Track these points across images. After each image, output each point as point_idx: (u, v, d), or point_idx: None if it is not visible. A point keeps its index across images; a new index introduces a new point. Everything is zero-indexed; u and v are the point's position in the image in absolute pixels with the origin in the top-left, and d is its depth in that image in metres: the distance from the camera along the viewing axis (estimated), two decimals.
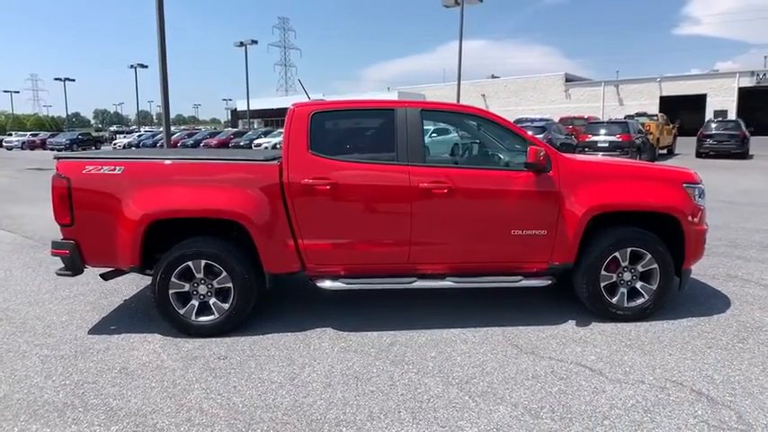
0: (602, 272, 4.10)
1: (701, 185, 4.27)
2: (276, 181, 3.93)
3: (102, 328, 4.23)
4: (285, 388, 3.21)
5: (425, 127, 4.21)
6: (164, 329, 4.10)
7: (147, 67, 48.53)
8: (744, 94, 40.80)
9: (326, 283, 4.07)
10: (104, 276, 4.27)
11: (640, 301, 4.15)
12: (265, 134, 31.99)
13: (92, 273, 4.53)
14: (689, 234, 4.09)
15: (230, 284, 3.94)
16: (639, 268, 4.14)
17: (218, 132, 37.08)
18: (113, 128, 68.28)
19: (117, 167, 3.88)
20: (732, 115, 37.12)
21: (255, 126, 53.72)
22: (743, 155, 20.90)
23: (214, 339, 3.93)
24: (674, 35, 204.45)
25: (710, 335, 3.91)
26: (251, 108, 50.41)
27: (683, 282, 4.26)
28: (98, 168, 3.88)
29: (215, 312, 3.98)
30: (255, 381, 3.31)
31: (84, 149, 37.78)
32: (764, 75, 40.08)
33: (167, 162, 4.05)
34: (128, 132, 46.91)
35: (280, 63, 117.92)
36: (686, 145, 25.27)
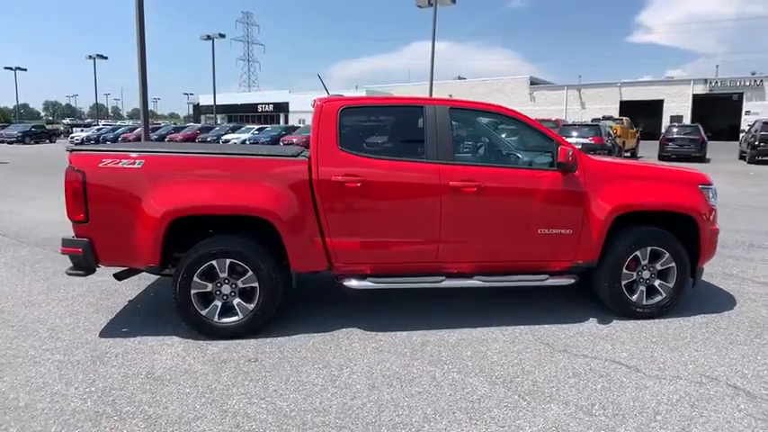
0: (624, 270, 4.18)
1: (713, 187, 4.42)
2: (305, 177, 3.81)
3: (112, 330, 4.00)
4: (329, 390, 3.12)
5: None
6: (181, 331, 3.93)
7: (106, 58, 46.56)
8: (697, 100, 42.85)
9: (353, 283, 3.98)
10: (118, 276, 4.05)
11: (658, 298, 4.27)
12: (234, 130, 31.29)
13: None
14: (704, 233, 4.23)
15: (256, 284, 3.80)
16: (658, 266, 4.24)
17: (184, 127, 35.96)
18: (67, 120, 65.14)
19: (137, 161, 3.68)
20: (687, 120, 38.93)
21: (219, 121, 52.43)
22: (701, 158, 21.91)
23: (239, 341, 3.78)
24: (629, 42, 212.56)
25: (726, 331, 4.05)
26: (214, 103, 49.24)
27: (696, 280, 4.40)
28: (116, 162, 3.66)
29: (239, 313, 3.83)
30: (295, 383, 3.20)
31: (37, 143, 35.91)
32: (716, 82, 42.19)
33: (190, 156, 3.87)
34: (85, 126, 44.83)
35: (243, 58, 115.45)
36: (646, 148, 26.32)
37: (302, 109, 57.08)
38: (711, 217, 4.30)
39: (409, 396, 3.06)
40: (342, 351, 3.67)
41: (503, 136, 4.64)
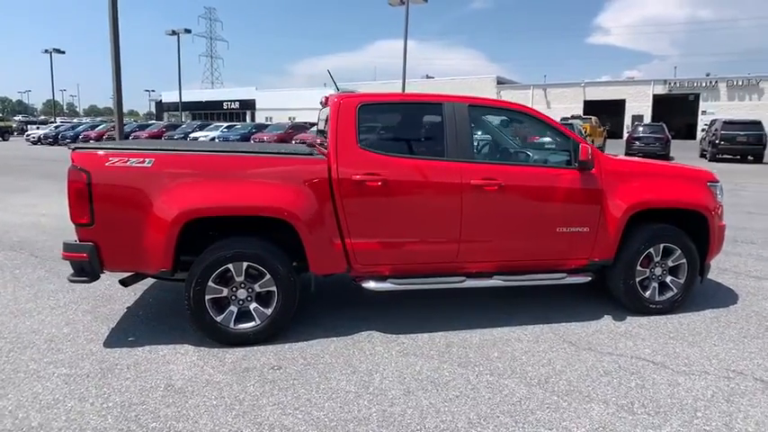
0: (638, 267, 4.22)
1: (720, 184, 4.52)
2: (324, 176, 3.68)
3: (117, 340, 3.76)
4: (364, 397, 3.01)
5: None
6: (191, 338, 3.73)
7: (63, 52, 44.52)
8: (657, 100, 44.44)
9: (371, 284, 3.87)
10: (125, 282, 3.81)
11: (670, 294, 4.33)
12: (201, 127, 30.48)
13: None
14: (713, 230, 4.32)
15: (274, 288, 3.64)
16: (669, 263, 4.30)
17: (149, 125, 34.75)
18: (19, 117, 62.03)
19: (146, 159, 3.46)
20: (647, 119, 40.30)
21: (183, 119, 51.02)
22: (665, 156, 22.67)
23: (257, 348, 3.62)
24: (588, 44, 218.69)
25: (737, 325, 4.14)
26: (176, 100, 47.84)
27: (704, 275, 4.49)
28: (124, 160, 3.43)
29: (256, 318, 3.66)
30: (327, 391, 3.07)
31: None
32: (675, 83, 43.86)
33: (203, 154, 3.67)
34: (41, 123, 42.77)
35: (205, 54, 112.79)
36: (610, 146, 27.05)
37: (269, 106, 56.40)
38: (719, 213, 4.39)
39: (448, 401, 2.98)
40: (366, 355, 3.56)
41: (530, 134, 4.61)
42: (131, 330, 3.94)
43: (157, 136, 28.98)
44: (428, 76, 60.07)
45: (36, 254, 6.12)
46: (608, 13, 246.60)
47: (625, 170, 4.25)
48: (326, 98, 4.26)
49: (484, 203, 3.90)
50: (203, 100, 61.81)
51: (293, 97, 55.18)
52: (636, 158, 5.57)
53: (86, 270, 3.50)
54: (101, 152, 3.47)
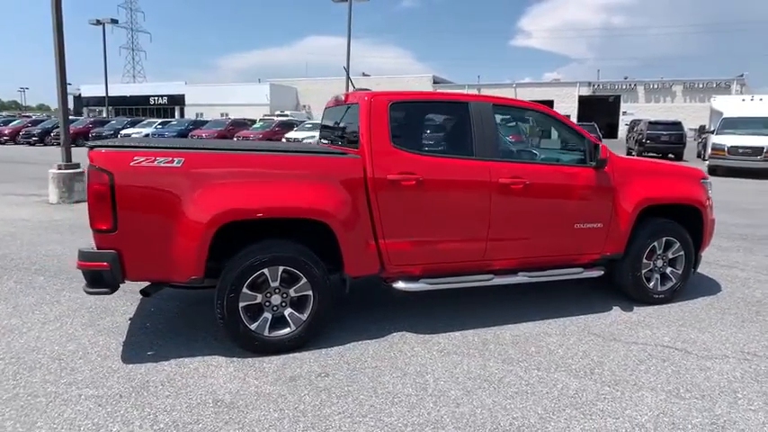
0: (644, 260, 4.47)
1: (710, 180, 4.88)
2: (360, 176, 3.59)
3: (135, 355, 3.47)
4: (427, 400, 2.97)
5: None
6: (219, 349, 3.52)
7: None
8: (582, 101, 47.20)
9: (402, 285, 3.82)
10: (147, 292, 3.52)
11: (670, 284, 4.62)
12: (133, 124, 28.70)
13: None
14: (706, 223, 4.66)
15: (309, 292, 3.51)
16: (670, 255, 4.59)
17: (73, 120, 32.10)
18: None
19: (175, 159, 3.20)
20: (574, 119, 42.72)
21: (105, 114, 47.70)
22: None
23: (292, 356, 3.47)
24: (511, 46, 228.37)
25: (731, 311, 4.49)
26: (97, 95, 44.58)
27: (696, 265, 4.83)
28: (151, 160, 3.16)
29: (291, 324, 3.51)
30: (386, 396, 3.00)
31: None
32: (599, 85, 46.82)
33: (236, 153, 3.46)
34: None
35: (126, 47, 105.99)
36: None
37: (200, 102, 53.99)
38: (711, 208, 4.74)
39: (510, 398, 3.01)
40: (409, 357, 3.51)
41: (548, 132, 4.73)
42: (147, 344, 3.64)
43: (84, 133, 26.93)
44: (364, 74, 60.08)
45: None
46: (529, 17, 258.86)
47: (632, 168, 4.48)
48: (347, 96, 4.15)
49: (510, 201, 3.97)
50: (128, 95, 57.99)
51: (225, 92, 53.24)
52: (638, 158, 5.87)
53: (106, 281, 3.20)
54: (124, 150, 3.18)
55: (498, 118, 4.88)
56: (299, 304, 3.54)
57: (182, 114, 53.86)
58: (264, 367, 3.33)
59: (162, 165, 3.17)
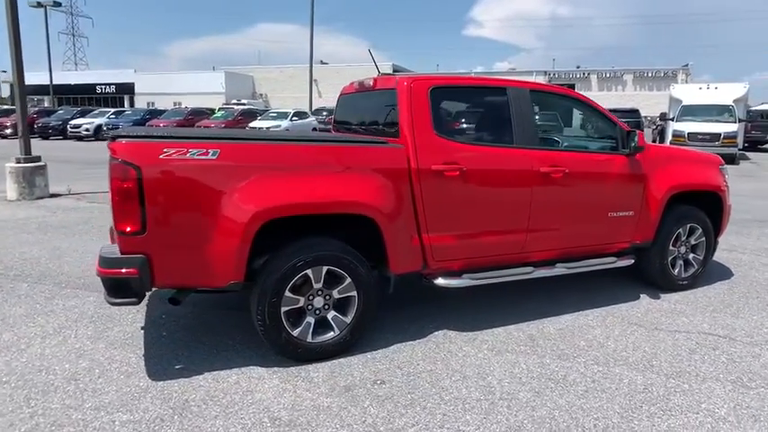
0: (670, 247, 4.46)
1: (726, 167, 4.92)
2: (403, 167, 3.34)
3: (161, 370, 3.11)
4: (499, 405, 2.79)
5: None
6: (254, 359, 3.23)
7: None
8: None
9: (443, 281, 3.62)
10: (177, 300, 3.15)
11: (692, 270, 4.64)
12: (83, 114, 26.96)
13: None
14: (725, 209, 4.69)
15: (354, 293, 3.25)
16: (692, 241, 4.60)
17: (11, 110, 29.83)
18: None
19: (210, 150, 2.85)
20: None
21: (47, 104, 44.71)
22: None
23: (336, 362, 3.22)
24: (464, 35, 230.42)
25: (752, 295, 4.55)
26: (36, 83, 41.65)
27: (714, 251, 4.87)
28: (183, 152, 2.80)
29: (335, 328, 3.25)
30: (455, 402, 2.81)
31: None
32: (554, 74, 47.87)
33: (274, 144, 3.14)
34: None
35: (66, 32, 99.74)
36: None
37: (151, 90, 51.53)
38: (728, 194, 4.78)
39: (582, 397, 2.87)
40: (461, 357, 3.33)
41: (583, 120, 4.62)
42: (171, 356, 3.29)
43: (29, 124, 25.04)
44: (322, 62, 59.02)
45: None
46: (480, 6, 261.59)
47: (661, 155, 4.43)
48: (375, 80, 3.88)
49: (550, 191, 3.83)
50: (72, 83, 54.53)
51: (178, 81, 50.99)
52: (662, 145, 5.87)
53: (134, 289, 2.83)
54: (151, 141, 2.80)
55: (552, 105, 4.74)
56: (341, 306, 3.28)
57: (131, 104, 51.26)
58: (312, 377, 3.06)
59: (195, 157, 2.82)
